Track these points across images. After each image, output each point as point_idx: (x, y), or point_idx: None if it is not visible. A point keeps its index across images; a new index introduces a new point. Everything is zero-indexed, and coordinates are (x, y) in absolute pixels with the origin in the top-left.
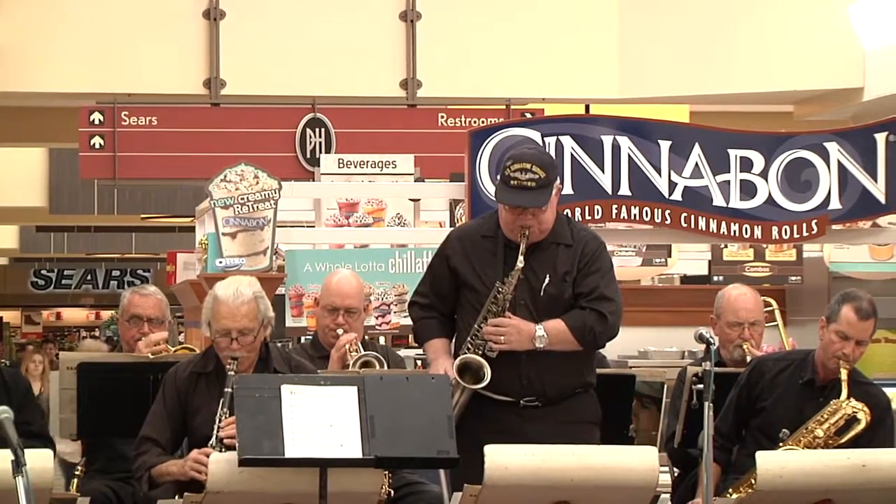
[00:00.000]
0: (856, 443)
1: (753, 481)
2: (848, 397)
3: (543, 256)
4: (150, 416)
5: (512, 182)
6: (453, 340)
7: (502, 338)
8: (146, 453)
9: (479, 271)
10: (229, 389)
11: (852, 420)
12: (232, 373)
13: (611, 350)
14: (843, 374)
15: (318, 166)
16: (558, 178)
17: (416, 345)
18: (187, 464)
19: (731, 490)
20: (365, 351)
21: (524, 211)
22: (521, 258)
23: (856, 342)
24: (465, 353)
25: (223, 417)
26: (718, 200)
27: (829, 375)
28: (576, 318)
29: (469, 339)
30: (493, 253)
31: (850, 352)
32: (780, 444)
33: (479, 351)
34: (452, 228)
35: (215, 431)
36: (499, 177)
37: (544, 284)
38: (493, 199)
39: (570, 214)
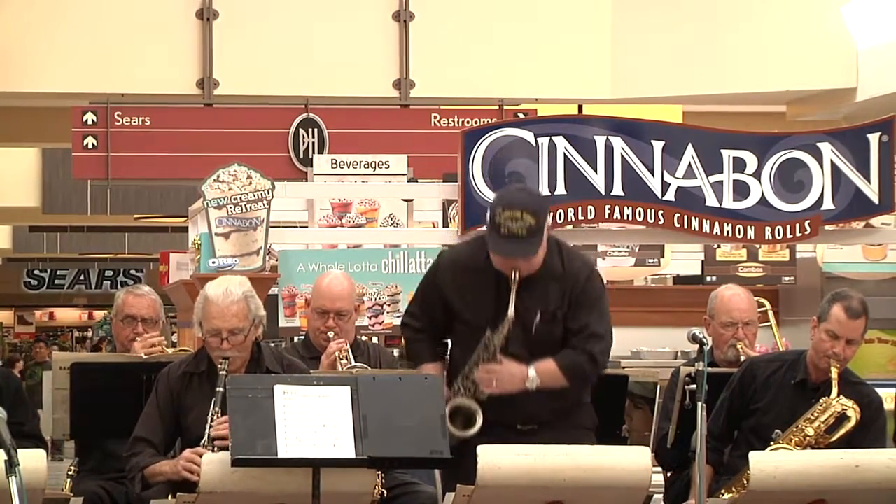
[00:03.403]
0: (847, 442)
1: (746, 481)
2: (838, 395)
3: (534, 291)
4: (143, 417)
5: (502, 230)
6: (447, 359)
7: (494, 382)
8: (139, 454)
9: (472, 306)
10: (221, 389)
11: (842, 418)
12: (223, 372)
13: None
14: (834, 373)
15: (311, 166)
16: (549, 215)
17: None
18: (179, 463)
19: (723, 490)
20: (356, 351)
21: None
22: (511, 310)
23: (846, 341)
24: (457, 396)
25: (215, 417)
26: (711, 201)
27: (821, 375)
28: (567, 360)
29: (460, 380)
30: (485, 288)
31: (841, 351)
32: (772, 443)
33: (471, 393)
34: (443, 250)
35: (207, 431)
36: (488, 219)
37: (536, 322)
38: (486, 199)
39: (563, 215)
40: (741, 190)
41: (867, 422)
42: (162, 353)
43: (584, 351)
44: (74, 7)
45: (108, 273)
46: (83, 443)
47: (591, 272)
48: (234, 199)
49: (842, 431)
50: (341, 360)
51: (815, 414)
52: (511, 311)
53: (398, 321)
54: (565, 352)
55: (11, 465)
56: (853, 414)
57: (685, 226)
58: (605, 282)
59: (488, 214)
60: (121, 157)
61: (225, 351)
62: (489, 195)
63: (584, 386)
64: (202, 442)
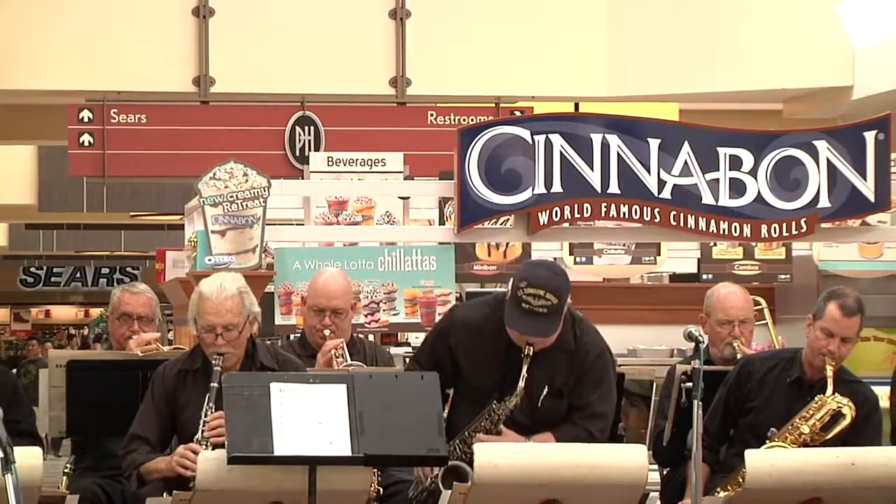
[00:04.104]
0: (843, 440)
1: (742, 479)
2: (833, 393)
3: (544, 364)
4: (139, 415)
5: (524, 305)
6: (447, 408)
7: None
8: (135, 451)
9: (480, 370)
10: (215, 384)
11: (837, 415)
12: (218, 368)
13: None
14: (829, 371)
15: (308, 164)
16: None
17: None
18: (174, 459)
19: (719, 488)
20: (352, 349)
21: None
22: (521, 386)
23: (841, 339)
24: (452, 458)
25: (209, 412)
26: (708, 199)
27: (816, 373)
28: (566, 436)
29: (458, 442)
30: (495, 354)
31: (836, 349)
32: (768, 441)
33: (467, 457)
34: (457, 306)
35: (201, 426)
36: (510, 291)
37: (542, 397)
38: (483, 197)
39: (559, 213)
40: (737, 188)
41: (862, 419)
42: (157, 350)
43: (584, 429)
44: (71, 5)
45: (105, 270)
46: (79, 440)
47: (601, 350)
48: (231, 196)
49: (837, 429)
50: (337, 357)
51: (811, 412)
52: (521, 386)
53: (394, 319)
54: (565, 427)
55: (7, 462)
56: (848, 412)
57: (681, 224)
58: (616, 363)
59: (510, 286)
60: (117, 155)
61: (220, 347)
62: (485, 193)
63: None
64: (196, 438)
